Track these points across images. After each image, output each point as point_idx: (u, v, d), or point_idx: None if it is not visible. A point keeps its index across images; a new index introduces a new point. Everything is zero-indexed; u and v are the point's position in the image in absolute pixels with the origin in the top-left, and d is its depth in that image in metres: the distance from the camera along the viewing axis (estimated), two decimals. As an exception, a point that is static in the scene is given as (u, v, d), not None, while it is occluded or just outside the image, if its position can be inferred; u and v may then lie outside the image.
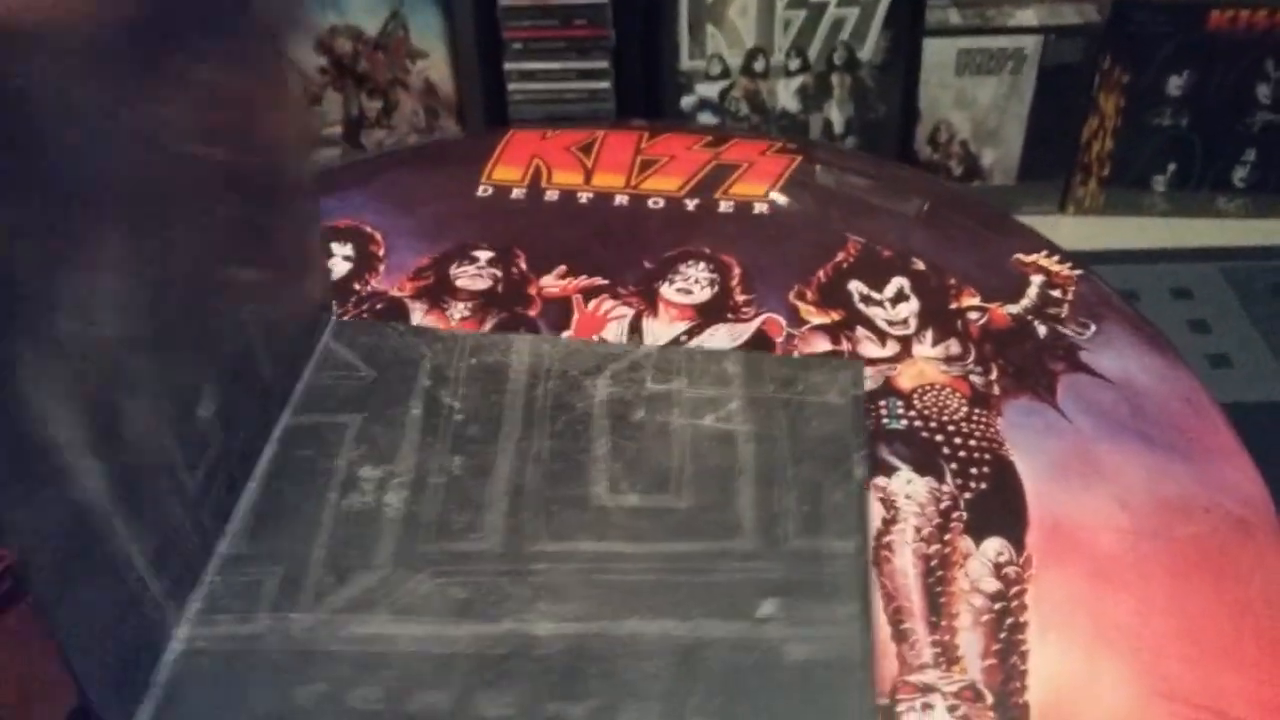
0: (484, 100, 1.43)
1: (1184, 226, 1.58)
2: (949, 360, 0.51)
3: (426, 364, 0.49)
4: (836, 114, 1.54)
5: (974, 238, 0.59)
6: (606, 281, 0.55)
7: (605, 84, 1.40)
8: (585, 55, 1.39)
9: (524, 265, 0.56)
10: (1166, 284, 1.41)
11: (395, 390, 0.48)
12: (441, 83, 1.44)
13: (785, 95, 1.51)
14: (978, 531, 0.44)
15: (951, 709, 0.38)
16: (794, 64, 1.49)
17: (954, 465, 0.46)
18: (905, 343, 0.52)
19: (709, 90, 1.50)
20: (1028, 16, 1.51)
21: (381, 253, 0.57)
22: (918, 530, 0.44)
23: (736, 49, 1.47)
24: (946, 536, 0.44)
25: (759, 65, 1.49)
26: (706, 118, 1.49)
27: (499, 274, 0.56)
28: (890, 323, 0.53)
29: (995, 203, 1.49)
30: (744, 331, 0.52)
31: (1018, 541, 0.44)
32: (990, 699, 0.39)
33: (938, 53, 1.50)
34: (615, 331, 0.52)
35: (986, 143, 1.57)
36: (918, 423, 0.48)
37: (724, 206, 0.60)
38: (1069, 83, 1.52)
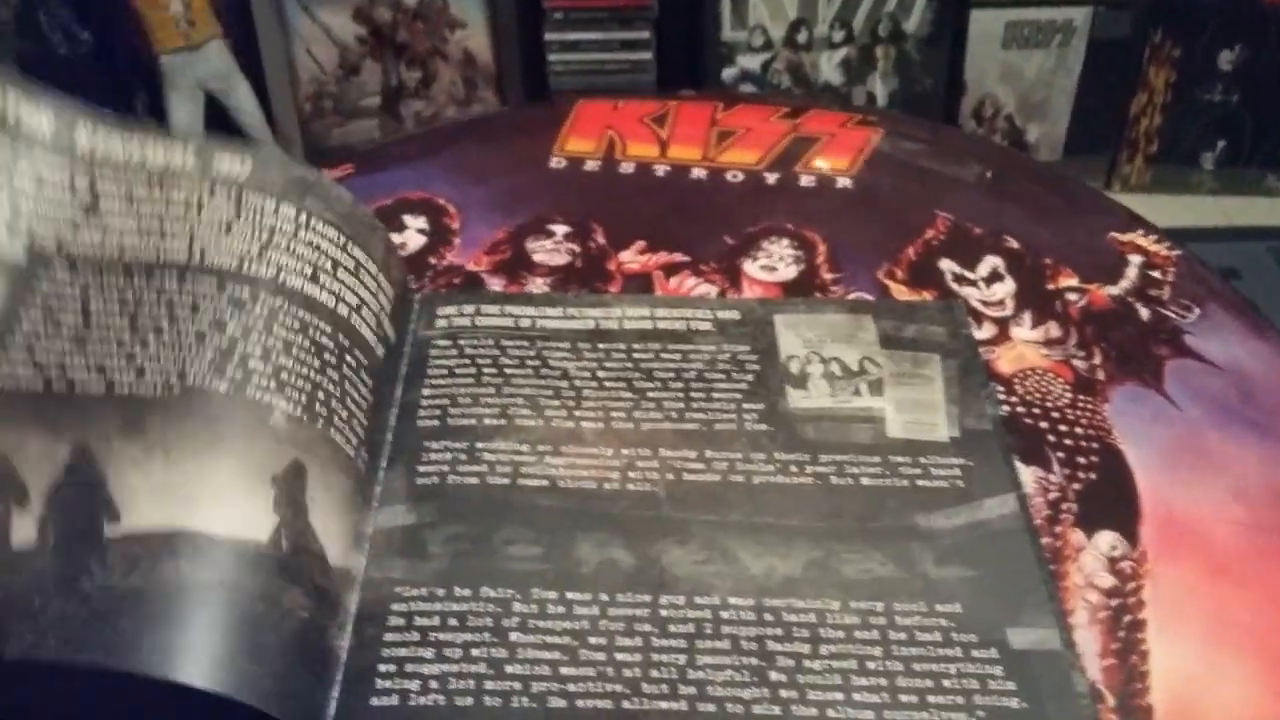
0: (523, 71, 1.41)
1: (1233, 205, 1.55)
2: (1049, 343, 0.49)
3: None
4: (880, 87, 1.52)
5: (1065, 214, 0.57)
6: (688, 258, 0.53)
7: (647, 54, 1.37)
8: (627, 25, 1.37)
9: (602, 240, 0.55)
10: (1214, 263, 1.39)
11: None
12: (480, 53, 1.42)
13: (828, 68, 1.49)
14: (1089, 524, 0.42)
15: (1072, 710, 0.37)
16: (838, 36, 1.47)
17: (1060, 454, 0.45)
18: (1002, 325, 0.50)
19: (751, 62, 1.48)
20: (1078, -12, 1.48)
21: (456, 226, 0.55)
22: (1028, 521, 0.42)
23: (779, 20, 1.45)
24: (1057, 529, 0.42)
25: (802, 37, 1.46)
26: (748, 90, 1.47)
27: (576, 249, 0.54)
28: (985, 303, 0.51)
29: (1041, 179, 1.47)
30: (834, 311, 0.50)
31: (1131, 535, 0.42)
32: (1111, 700, 0.37)
33: (985, 25, 1.47)
34: (699, 310, 0.51)
35: (1032, 117, 1.55)
36: (1020, 409, 0.46)
37: (805, 180, 0.58)
38: (1118, 57, 1.49)
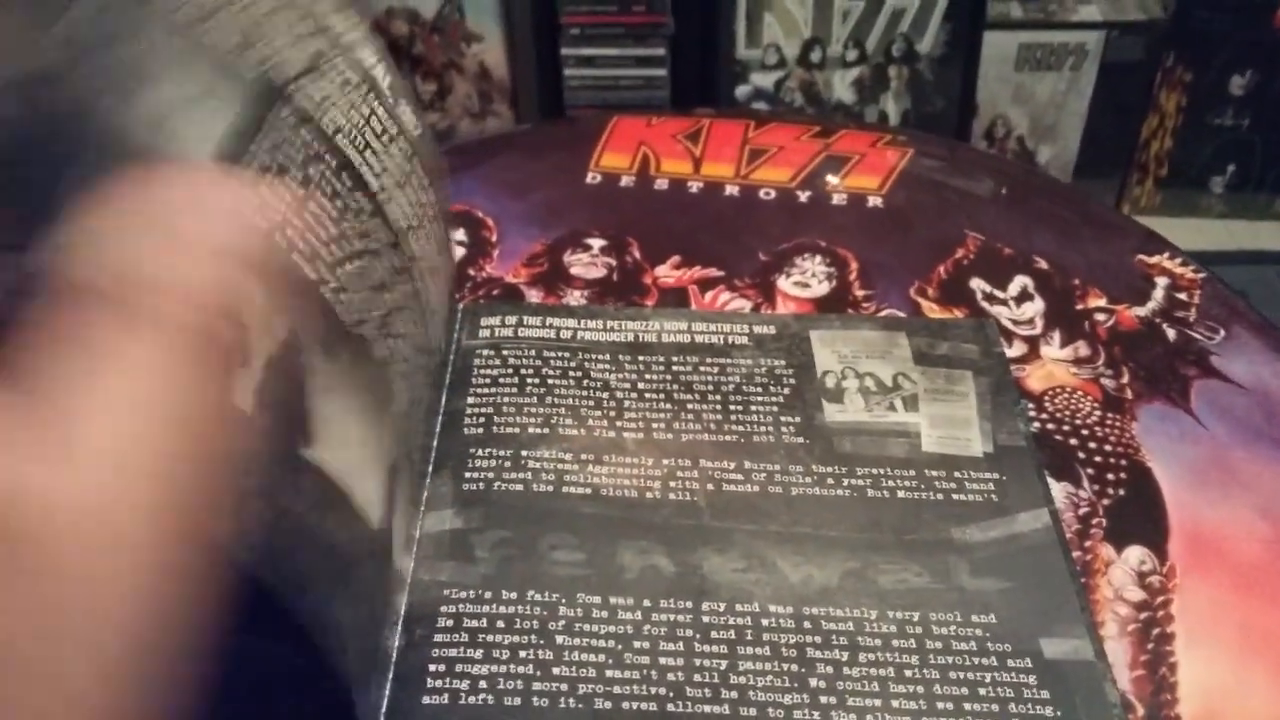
0: (538, 85, 1.42)
1: (1242, 229, 1.56)
2: (1078, 362, 0.50)
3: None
4: (893, 106, 1.53)
5: (1093, 236, 0.58)
6: (722, 273, 0.54)
7: (662, 71, 1.39)
8: (643, 42, 1.38)
9: (638, 254, 0.56)
10: (1222, 286, 1.40)
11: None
12: (496, 67, 1.43)
13: (841, 87, 1.50)
14: (1118, 539, 0.43)
15: None
16: (851, 55, 1.48)
17: (1090, 470, 0.46)
18: (1032, 343, 0.51)
19: (764, 80, 1.49)
20: (1091, 12, 1.49)
21: (494, 238, 0.56)
22: (1060, 535, 0.43)
23: (793, 38, 1.46)
24: (1087, 543, 0.43)
25: (815, 56, 1.48)
26: (761, 108, 1.48)
27: (613, 262, 0.55)
28: (1015, 322, 0.52)
29: (1051, 200, 1.48)
30: (865, 327, 0.51)
31: (1160, 550, 0.43)
32: (1141, 710, 0.38)
33: (998, 46, 1.49)
34: (734, 324, 0.52)
35: (1044, 139, 1.56)
36: (1050, 425, 0.47)
37: (837, 199, 0.59)
38: (1130, 80, 1.50)
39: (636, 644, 0.38)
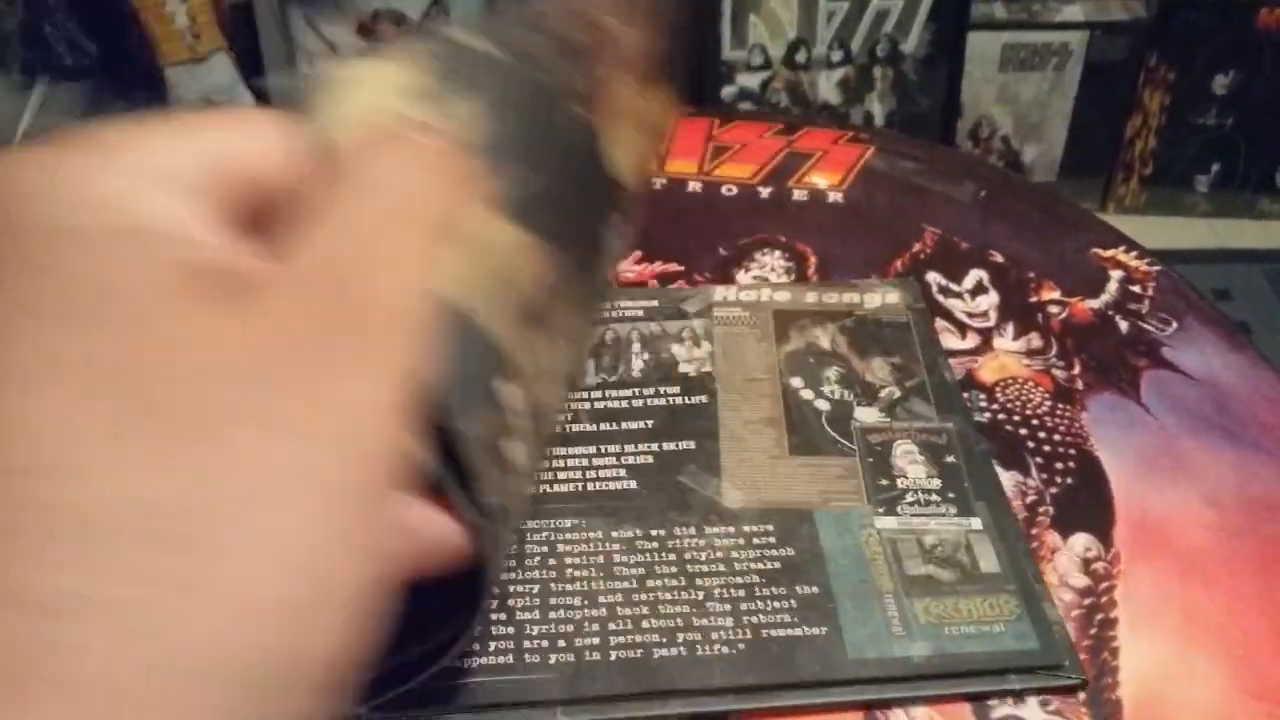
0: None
1: (1226, 227, 1.57)
2: (1030, 354, 0.51)
3: None
4: (878, 107, 1.53)
5: (1050, 231, 0.58)
6: (682, 268, 0.55)
7: (648, 72, 1.40)
8: (629, 43, 1.39)
9: (599, 249, 0.56)
10: (1207, 285, 1.41)
11: None
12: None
13: (826, 87, 1.50)
14: (1065, 526, 0.44)
15: (1043, 703, 0.38)
16: (836, 56, 1.49)
17: (1039, 459, 0.46)
18: (985, 335, 0.52)
19: (750, 80, 1.50)
20: (1074, 12, 1.50)
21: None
22: (1006, 522, 0.44)
23: (778, 39, 1.47)
24: (1033, 530, 0.44)
25: (801, 56, 1.48)
26: (747, 108, 1.49)
27: (575, 258, 0.56)
28: (970, 315, 0.53)
29: (1036, 199, 1.49)
30: (822, 320, 0.52)
31: (1105, 537, 0.44)
32: (1083, 695, 0.39)
33: (982, 47, 1.49)
34: (694, 317, 0.52)
35: (1028, 138, 1.56)
36: (1000, 416, 0.48)
37: (798, 195, 0.60)
38: (1113, 80, 1.51)
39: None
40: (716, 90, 1.51)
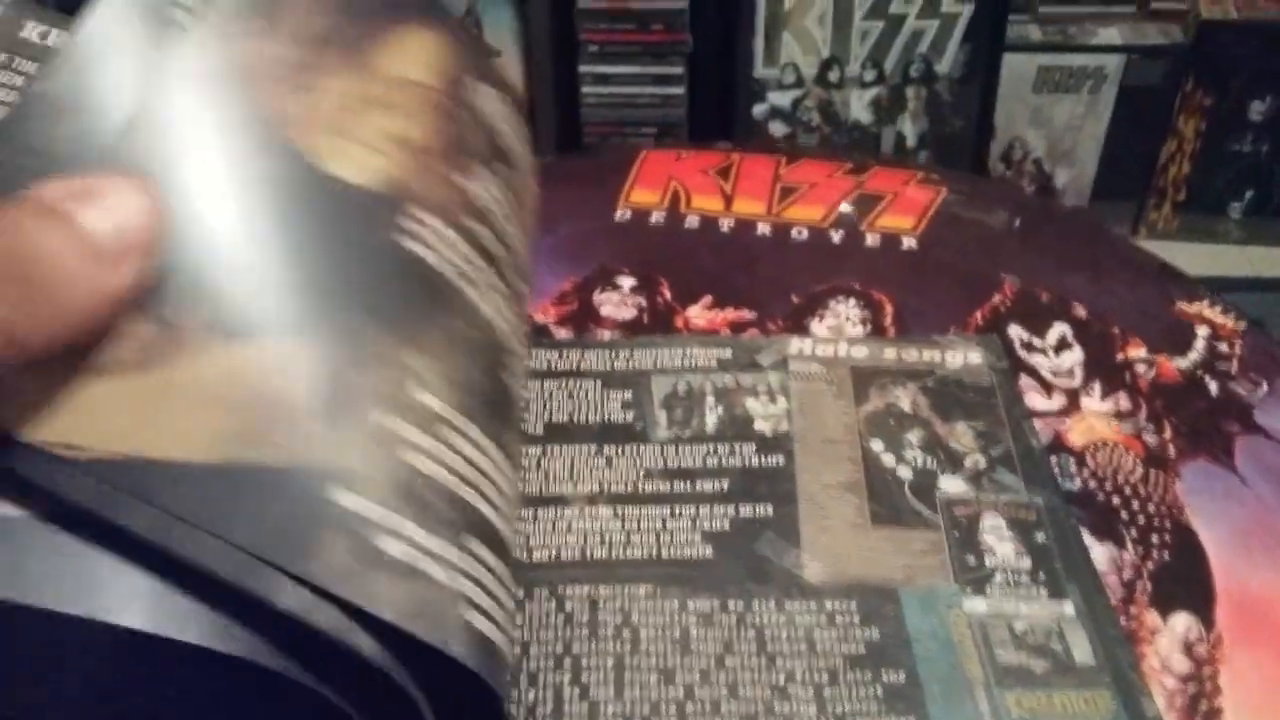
0: (555, 101, 1.41)
1: (1260, 255, 1.55)
2: (1120, 416, 0.49)
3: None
4: (910, 127, 1.52)
5: (1131, 282, 0.57)
6: (754, 315, 0.53)
7: (679, 89, 1.38)
8: (661, 60, 1.37)
9: (668, 295, 0.55)
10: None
11: None
12: (513, 82, 1.42)
13: (858, 106, 1.49)
14: (1164, 605, 0.42)
15: (1151, 796, 0.37)
16: (869, 75, 1.47)
17: (1133, 532, 0.44)
18: (1072, 395, 0.50)
19: (781, 99, 1.48)
20: (1111, 35, 1.49)
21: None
22: (1105, 601, 0.42)
23: (811, 58, 1.45)
24: (1132, 609, 0.42)
25: (833, 75, 1.47)
26: (778, 126, 1.47)
27: (644, 303, 0.54)
28: (1055, 373, 0.51)
29: (1068, 224, 1.47)
30: (901, 375, 0.50)
31: (1206, 618, 0.42)
32: (1191, 786, 0.37)
33: (1017, 68, 1.48)
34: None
35: (1061, 162, 1.55)
36: (1092, 484, 0.46)
37: (870, 240, 0.58)
38: (1149, 104, 1.49)
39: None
40: (748, 108, 1.49)
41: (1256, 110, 1.50)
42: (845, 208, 0.60)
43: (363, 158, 0.29)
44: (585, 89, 1.37)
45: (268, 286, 0.25)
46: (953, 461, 0.46)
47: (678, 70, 1.37)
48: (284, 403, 0.24)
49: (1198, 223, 1.58)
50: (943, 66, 1.48)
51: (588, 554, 0.42)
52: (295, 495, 0.24)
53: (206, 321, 0.24)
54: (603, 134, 1.41)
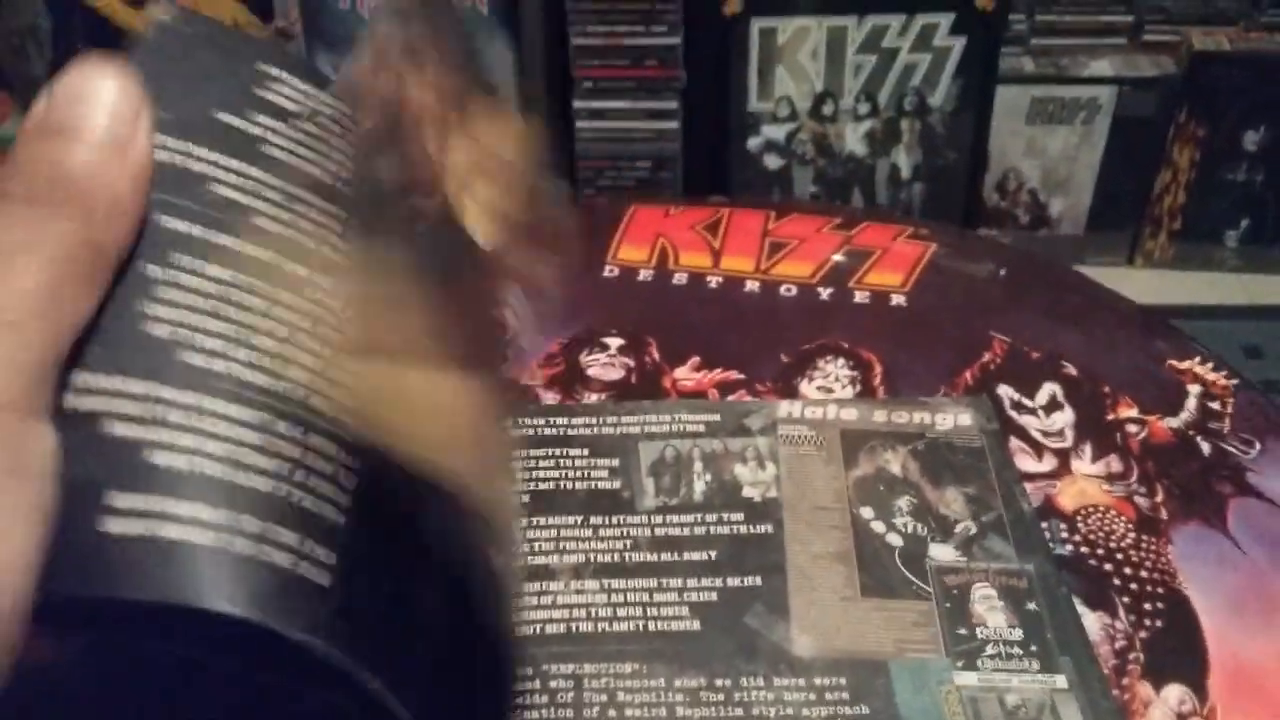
0: (549, 136, 1.41)
1: (1256, 283, 1.55)
2: (1111, 478, 0.49)
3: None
4: (904, 159, 1.52)
5: (1121, 339, 0.56)
6: (743, 376, 0.53)
7: (674, 124, 1.38)
8: (655, 95, 1.38)
9: (656, 355, 0.54)
10: (1237, 341, 1.39)
11: None
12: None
13: (853, 139, 1.49)
14: (1157, 676, 0.42)
15: None
16: (863, 108, 1.48)
17: (1126, 599, 0.44)
18: (1063, 456, 0.50)
19: (776, 132, 1.49)
20: (1103, 67, 1.49)
21: (508, 336, 0.55)
22: (1097, 673, 0.41)
23: (805, 91, 1.46)
24: (1124, 680, 0.41)
25: (827, 109, 1.47)
26: (773, 159, 1.48)
27: (631, 363, 0.54)
28: (1045, 433, 0.51)
29: (1062, 253, 1.47)
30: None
31: (1200, 688, 0.41)
32: None
33: (1010, 100, 1.48)
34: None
35: (1055, 192, 1.55)
36: (1084, 549, 0.46)
37: (859, 297, 0.58)
38: (1142, 135, 1.50)
39: None
40: (742, 142, 1.50)
41: (1251, 140, 1.50)
42: (838, 257, 0.59)
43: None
44: (580, 124, 1.38)
45: None
46: (943, 529, 0.45)
47: (672, 105, 1.38)
48: None
49: (1194, 251, 1.58)
50: (936, 99, 1.49)
51: (573, 628, 0.42)
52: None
53: None
54: (597, 169, 1.41)
